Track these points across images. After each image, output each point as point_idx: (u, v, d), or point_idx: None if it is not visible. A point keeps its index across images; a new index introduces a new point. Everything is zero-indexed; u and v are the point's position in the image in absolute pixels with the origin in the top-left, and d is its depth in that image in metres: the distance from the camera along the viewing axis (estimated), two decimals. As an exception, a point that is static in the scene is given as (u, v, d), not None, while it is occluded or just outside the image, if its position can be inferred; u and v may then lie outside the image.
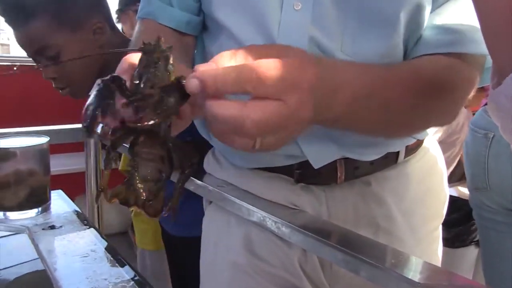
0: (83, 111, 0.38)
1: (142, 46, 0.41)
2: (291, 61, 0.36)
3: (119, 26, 2.34)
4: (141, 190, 0.42)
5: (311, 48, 0.54)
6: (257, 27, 0.56)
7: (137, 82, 0.40)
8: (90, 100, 0.38)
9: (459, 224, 1.48)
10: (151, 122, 0.37)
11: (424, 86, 0.51)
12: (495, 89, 0.44)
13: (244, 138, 0.36)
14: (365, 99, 0.45)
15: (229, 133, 0.37)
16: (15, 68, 2.33)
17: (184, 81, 0.38)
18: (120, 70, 0.43)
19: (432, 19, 0.56)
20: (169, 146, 0.42)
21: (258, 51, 0.38)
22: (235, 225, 0.66)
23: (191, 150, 0.43)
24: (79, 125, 1.17)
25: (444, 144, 1.61)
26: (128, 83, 0.41)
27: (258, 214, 0.59)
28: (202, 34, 0.67)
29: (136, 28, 0.66)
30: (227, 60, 0.36)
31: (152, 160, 0.42)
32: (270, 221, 0.57)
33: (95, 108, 0.37)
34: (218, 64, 0.36)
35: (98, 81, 0.39)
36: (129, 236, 2.60)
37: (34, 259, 0.69)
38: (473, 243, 1.52)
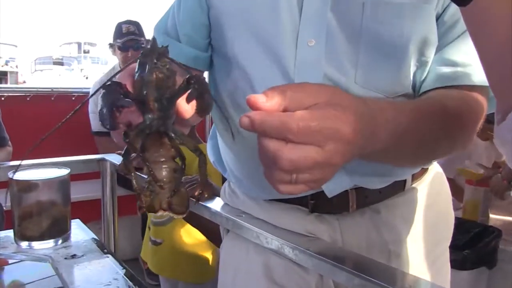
0: (99, 115, 0.42)
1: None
2: (334, 113, 0.39)
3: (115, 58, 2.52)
4: (164, 193, 0.44)
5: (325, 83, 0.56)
6: (273, 64, 0.59)
7: (140, 85, 0.42)
8: (101, 104, 0.42)
9: (469, 246, 1.49)
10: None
11: (447, 118, 0.55)
12: (500, 124, 0.47)
13: (280, 172, 0.39)
14: (400, 136, 0.48)
15: (270, 165, 0.40)
16: (27, 99, 2.41)
17: (193, 81, 0.41)
18: (120, 78, 0.45)
19: (443, 55, 0.60)
20: (176, 142, 0.44)
21: (309, 91, 0.40)
22: (254, 253, 0.68)
23: (190, 135, 0.46)
24: (95, 156, 1.21)
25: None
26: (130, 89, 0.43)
27: (276, 242, 0.62)
28: (213, 71, 0.70)
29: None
30: (276, 96, 0.39)
31: (165, 162, 0.44)
32: (288, 248, 0.60)
33: (110, 106, 0.41)
34: (268, 98, 0.39)
35: (102, 89, 0.42)
36: (140, 263, 2.60)
37: (59, 288, 0.72)
38: (484, 265, 1.53)
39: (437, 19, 0.58)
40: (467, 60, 0.58)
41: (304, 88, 0.41)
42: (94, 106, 2.40)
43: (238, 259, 0.71)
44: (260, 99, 0.38)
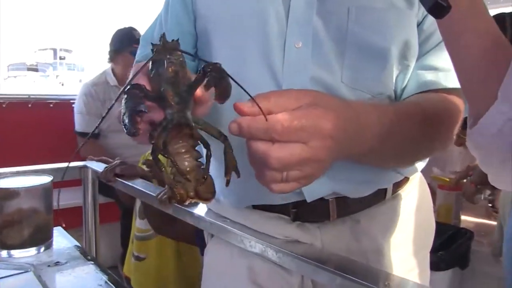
0: (121, 121, 0.43)
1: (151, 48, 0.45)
2: (315, 112, 0.42)
3: (108, 65, 2.44)
4: (189, 182, 0.45)
5: (313, 86, 0.59)
6: (262, 67, 0.61)
7: (157, 81, 0.44)
8: (123, 110, 0.43)
9: (443, 248, 1.54)
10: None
11: (427, 120, 0.58)
12: (472, 129, 0.50)
13: (271, 171, 0.42)
14: (385, 137, 0.52)
15: (260, 166, 0.42)
16: (4, 106, 2.37)
17: (208, 69, 0.43)
18: (136, 79, 0.46)
19: (424, 61, 0.63)
20: (196, 131, 0.45)
21: (292, 96, 0.43)
22: (238, 257, 0.70)
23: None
24: (77, 163, 1.20)
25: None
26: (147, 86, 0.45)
27: (260, 245, 0.64)
28: None
29: (132, 70, 0.70)
30: (261, 102, 0.41)
31: (186, 152, 0.46)
32: (271, 251, 0.62)
33: (131, 114, 0.42)
34: (254, 104, 0.41)
35: (123, 94, 0.43)
36: (119, 271, 2.57)
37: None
38: (457, 265, 1.59)
39: (417, 26, 0.62)
40: (446, 66, 0.62)
41: (287, 93, 0.44)
42: (83, 106, 2.35)
43: (223, 263, 0.72)
44: (245, 105, 0.41)
